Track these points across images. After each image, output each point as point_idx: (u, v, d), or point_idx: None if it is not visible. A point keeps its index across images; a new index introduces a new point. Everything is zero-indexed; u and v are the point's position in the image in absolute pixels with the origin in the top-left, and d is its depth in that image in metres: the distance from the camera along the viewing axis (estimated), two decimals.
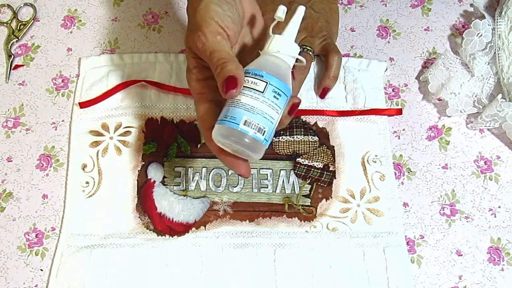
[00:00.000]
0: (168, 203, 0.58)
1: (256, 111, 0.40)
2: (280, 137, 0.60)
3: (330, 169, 0.59)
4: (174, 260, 0.55)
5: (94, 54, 0.66)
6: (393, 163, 0.60)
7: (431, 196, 0.59)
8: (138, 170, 0.59)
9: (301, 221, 0.57)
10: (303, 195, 0.58)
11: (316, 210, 0.58)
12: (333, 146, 0.60)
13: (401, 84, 0.64)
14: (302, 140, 0.61)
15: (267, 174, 0.59)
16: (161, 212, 0.58)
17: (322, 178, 0.59)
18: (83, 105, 0.62)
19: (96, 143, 0.60)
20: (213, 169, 0.59)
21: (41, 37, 0.67)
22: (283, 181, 0.59)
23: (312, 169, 0.59)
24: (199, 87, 0.44)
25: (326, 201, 0.58)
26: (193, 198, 0.58)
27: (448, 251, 0.56)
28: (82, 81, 0.64)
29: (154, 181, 0.59)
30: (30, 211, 0.58)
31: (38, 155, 0.60)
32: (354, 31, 0.67)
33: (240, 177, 0.59)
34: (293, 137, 0.61)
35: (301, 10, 0.44)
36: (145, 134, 0.61)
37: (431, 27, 0.68)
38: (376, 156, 0.60)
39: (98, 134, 0.61)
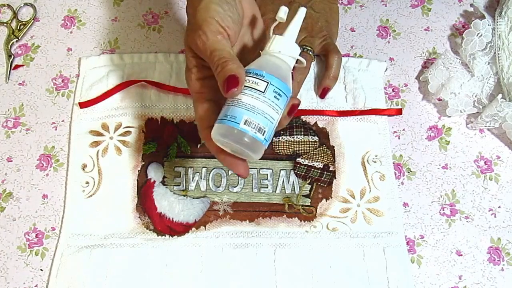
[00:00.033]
0: (168, 203, 0.58)
1: (256, 110, 0.40)
2: (280, 137, 0.60)
3: (330, 169, 0.59)
4: (174, 260, 0.55)
5: (94, 54, 0.66)
6: (393, 163, 0.60)
7: (431, 196, 0.59)
8: (138, 170, 0.59)
9: (301, 221, 0.57)
10: (303, 195, 0.58)
11: (316, 210, 0.58)
12: (333, 146, 0.60)
13: (401, 84, 0.64)
14: (302, 140, 0.61)
15: (267, 174, 0.59)
16: (161, 212, 0.57)
17: (322, 178, 0.59)
18: (83, 105, 0.62)
19: (96, 143, 0.60)
20: (213, 169, 0.59)
21: (41, 37, 0.67)
22: (283, 181, 0.59)
23: (312, 169, 0.59)
24: (198, 86, 0.44)
25: (326, 201, 0.58)
26: (193, 198, 0.58)
27: (448, 251, 0.56)
28: (82, 81, 0.63)
29: (154, 181, 0.59)
30: (30, 211, 0.58)
31: (38, 155, 0.60)
32: (354, 31, 0.67)
33: (240, 177, 0.59)
34: (293, 137, 0.61)
35: (302, 11, 0.44)
36: (145, 134, 0.61)
37: (431, 27, 0.68)
38: (376, 156, 0.60)
39: (98, 134, 0.61)
